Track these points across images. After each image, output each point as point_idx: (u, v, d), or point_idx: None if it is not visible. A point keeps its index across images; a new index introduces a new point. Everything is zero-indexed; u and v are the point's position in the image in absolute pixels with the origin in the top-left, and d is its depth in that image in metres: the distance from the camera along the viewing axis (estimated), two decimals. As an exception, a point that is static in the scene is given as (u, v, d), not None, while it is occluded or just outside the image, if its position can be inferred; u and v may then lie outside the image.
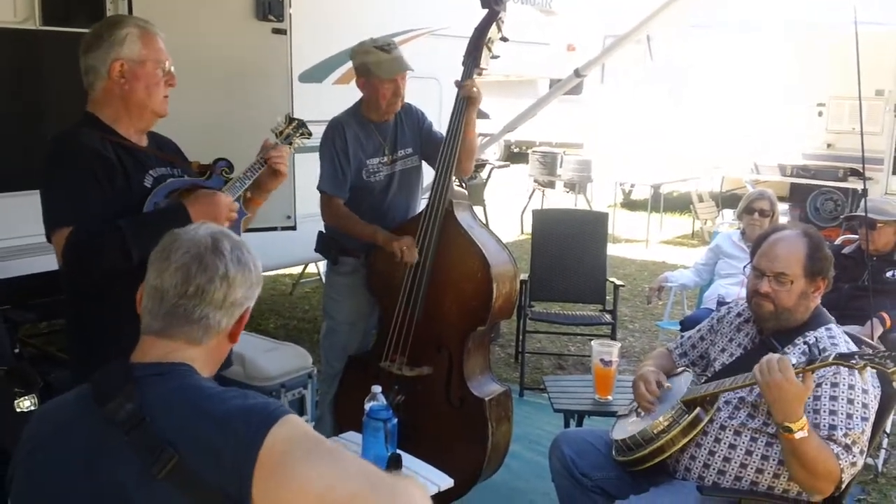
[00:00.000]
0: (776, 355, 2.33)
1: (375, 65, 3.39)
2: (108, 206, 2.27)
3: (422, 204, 3.62)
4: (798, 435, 2.26)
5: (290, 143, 2.75)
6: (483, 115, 3.46)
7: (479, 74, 3.42)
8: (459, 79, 3.40)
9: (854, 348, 2.52)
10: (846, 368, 2.33)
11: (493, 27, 3.39)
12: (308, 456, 1.35)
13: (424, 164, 3.71)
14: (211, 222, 2.06)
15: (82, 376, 1.54)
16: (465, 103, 3.35)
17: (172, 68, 2.44)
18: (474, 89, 3.36)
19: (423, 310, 3.36)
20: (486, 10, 3.41)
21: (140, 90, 2.37)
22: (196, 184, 2.44)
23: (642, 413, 2.77)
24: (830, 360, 2.24)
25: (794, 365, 2.29)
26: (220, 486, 1.33)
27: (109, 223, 2.23)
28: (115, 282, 2.19)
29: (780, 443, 2.37)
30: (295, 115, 2.81)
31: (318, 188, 3.51)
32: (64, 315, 2.54)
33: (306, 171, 3.74)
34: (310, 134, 2.85)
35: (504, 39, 3.47)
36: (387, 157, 3.56)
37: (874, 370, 2.24)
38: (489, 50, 3.42)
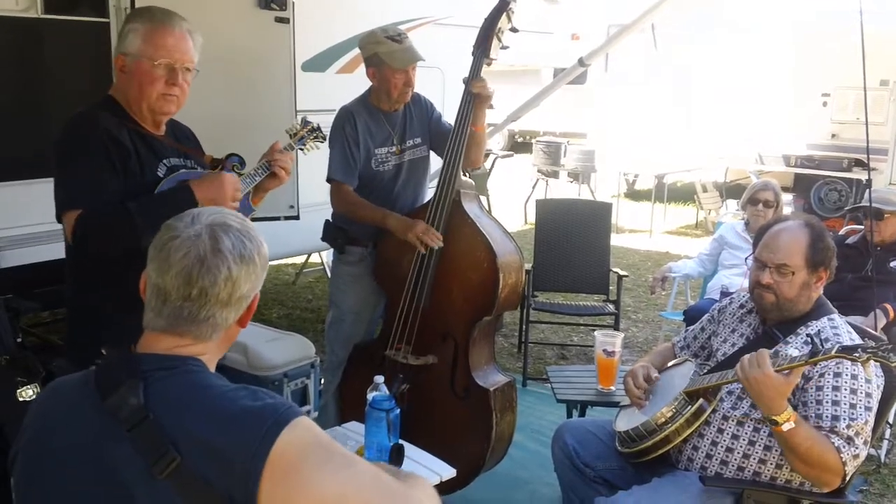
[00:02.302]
0: (758, 351, 2.34)
1: (387, 55, 3.38)
2: (121, 191, 2.29)
3: (429, 194, 3.62)
4: (785, 427, 2.27)
5: (303, 146, 2.76)
6: (489, 106, 3.45)
7: (489, 65, 3.40)
8: (468, 74, 3.38)
9: (856, 338, 2.52)
10: (849, 359, 2.33)
11: (504, 17, 3.37)
12: (321, 464, 1.33)
13: (432, 154, 3.70)
14: (215, 204, 2.06)
15: (80, 364, 1.53)
16: (474, 100, 3.34)
17: (188, 67, 2.40)
18: (488, 88, 3.34)
19: (430, 299, 3.36)
20: (496, 0, 3.39)
21: (134, 87, 2.37)
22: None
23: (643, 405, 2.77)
24: (833, 353, 2.24)
25: (795, 357, 2.28)
26: (226, 488, 1.31)
27: (118, 206, 2.25)
28: (121, 268, 2.20)
29: (774, 437, 2.38)
30: (302, 110, 2.82)
31: (328, 177, 3.50)
32: (65, 302, 2.55)
33: (310, 160, 3.73)
34: (324, 138, 2.86)
35: (514, 30, 3.45)
36: (395, 147, 3.55)
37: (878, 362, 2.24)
38: (499, 40, 3.40)
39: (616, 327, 5.23)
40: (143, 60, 2.34)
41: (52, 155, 2.34)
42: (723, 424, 2.53)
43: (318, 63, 5.13)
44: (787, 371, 2.26)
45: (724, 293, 4.48)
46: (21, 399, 3.03)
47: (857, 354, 2.21)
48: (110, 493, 1.37)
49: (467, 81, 3.34)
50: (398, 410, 2.46)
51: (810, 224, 2.63)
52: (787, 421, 2.27)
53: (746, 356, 2.34)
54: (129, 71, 2.36)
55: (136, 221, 2.20)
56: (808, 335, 2.47)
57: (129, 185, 2.31)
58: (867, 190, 4.54)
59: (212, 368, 1.50)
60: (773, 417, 2.28)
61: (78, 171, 2.29)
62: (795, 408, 2.37)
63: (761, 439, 2.48)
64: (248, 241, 1.49)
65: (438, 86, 5.15)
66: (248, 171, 2.54)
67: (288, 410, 1.37)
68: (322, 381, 4.03)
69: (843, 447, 2.31)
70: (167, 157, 2.44)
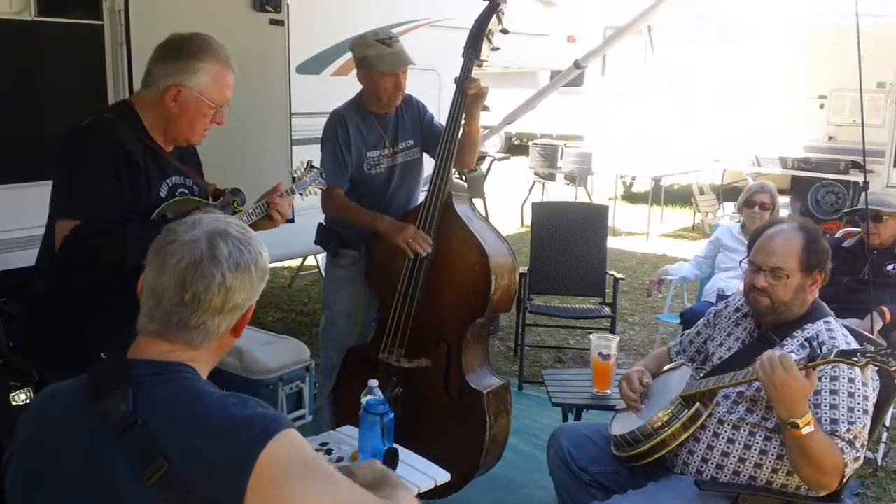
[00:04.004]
0: (777, 352, 2.31)
1: (377, 59, 3.37)
2: (122, 207, 2.29)
3: (422, 196, 3.61)
4: (805, 430, 2.24)
5: (303, 191, 2.79)
6: (483, 108, 3.45)
7: (479, 66, 3.40)
8: (459, 75, 3.37)
9: (852, 341, 2.51)
10: (845, 362, 2.32)
11: (494, 19, 3.37)
12: (303, 478, 1.34)
13: (425, 157, 3.69)
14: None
15: (64, 370, 1.53)
16: (465, 98, 3.33)
17: (225, 108, 2.45)
18: (481, 86, 3.33)
19: (422, 302, 3.35)
20: (486, 2, 3.39)
21: (184, 120, 2.39)
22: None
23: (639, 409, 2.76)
24: (832, 357, 2.23)
25: (794, 361, 2.27)
26: (211, 496, 1.32)
27: (115, 224, 2.25)
28: (105, 280, 2.22)
29: (786, 441, 2.35)
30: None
31: None
32: (35, 306, 2.53)
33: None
34: (325, 185, 2.90)
35: (504, 31, 3.45)
36: (388, 150, 3.55)
37: (876, 367, 2.23)
38: (489, 42, 3.40)
39: (612, 330, 5.21)
40: (203, 99, 2.37)
41: (59, 157, 2.33)
42: (718, 428, 2.52)
43: (313, 65, 5.11)
44: (803, 372, 2.24)
45: (721, 296, 4.47)
46: (14, 403, 3.01)
47: (855, 359, 2.20)
48: (101, 497, 1.38)
49: (458, 83, 3.34)
50: (392, 414, 2.45)
51: (804, 227, 2.62)
52: (808, 424, 2.24)
53: (766, 356, 2.30)
54: (183, 104, 2.37)
55: (128, 244, 2.21)
56: (804, 339, 2.46)
57: (133, 200, 2.32)
58: (864, 192, 4.53)
59: (204, 376, 1.50)
60: (794, 421, 2.24)
61: (84, 181, 2.28)
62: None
63: (757, 443, 2.47)
64: (247, 251, 1.49)
65: (434, 87, 5.15)
66: (246, 209, 2.56)
67: (276, 421, 1.37)
68: (316, 384, 4.02)
69: (846, 449, 2.30)
70: (170, 177, 2.45)
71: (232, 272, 1.45)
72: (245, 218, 2.51)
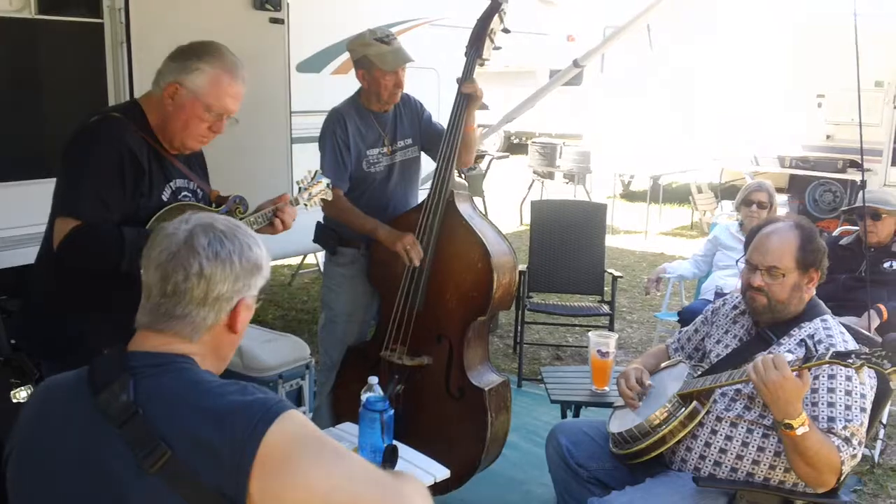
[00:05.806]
0: (770, 354, 2.33)
1: (377, 57, 3.38)
2: (123, 208, 2.30)
3: (421, 195, 3.62)
4: (800, 431, 2.24)
5: (308, 202, 2.79)
6: (482, 106, 3.46)
7: (481, 65, 3.41)
8: (461, 74, 3.38)
9: (849, 340, 2.52)
10: (842, 360, 2.33)
11: (496, 18, 3.38)
12: (312, 455, 1.34)
13: (423, 156, 3.70)
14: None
15: (62, 363, 1.54)
16: (467, 100, 3.35)
17: (229, 118, 2.44)
18: (478, 88, 3.35)
19: (424, 300, 3.36)
20: (488, 1, 3.40)
21: (178, 119, 2.38)
22: None
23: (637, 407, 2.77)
24: (827, 359, 2.24)
25: (789, 361, 2.28)
26: (215, 482, 1.32)
27: (113, 228, 2.26)
28: (101, 279, 2.23)
29: (782, 440, 2.36)
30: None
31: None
32: (29, 302, 2.54)
33: (304, 160, 3.73)
34: (331, 196, 2.90)
35: (506, 31, 3.46)
36: (387, 148, 3.55)
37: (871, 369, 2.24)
38: (492, 41, 3.41)
39: (611, 328, 5.23)
40: (199, 101, 2.36)
41: (64, 155, 2.34)
42: (716, 426, 2.54)
43: (313, 64, 5.12)
44: (795, 373, 2.26)
45: (719, 294, 4.49)
46: (14, 401, 3.02)
47: (850, 360, 2.21)
48: (104, 490, 1.38)
49: (460, 82, 3.35)
50: (392, 411, 2.45)
51: (800, 225, 2.62)
52: (802, 425, 2.24)
53: (759, 359, 2.31)
54: (178, 102, 2.36)
55: (126, 250, 2.22)
56: (801, 338, 2.47)
57: (135, 202, 2.33)
58: (861, 191, 4.54)
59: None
60: (789, 422, 2.25)
61: (87, 180, 2.29)
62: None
63: (754, 440, 2.48)
64: (229, 243, 1.49)
65: (433, 86, 5.16)
66: (249, 216, 2.55)
67: (278, 405, 1.38)
68: (316, 382, 4.03)
69: (842, 447, 2.32)
70: (173, 179, 2.46)
71: (210, 261, 1.45)
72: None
